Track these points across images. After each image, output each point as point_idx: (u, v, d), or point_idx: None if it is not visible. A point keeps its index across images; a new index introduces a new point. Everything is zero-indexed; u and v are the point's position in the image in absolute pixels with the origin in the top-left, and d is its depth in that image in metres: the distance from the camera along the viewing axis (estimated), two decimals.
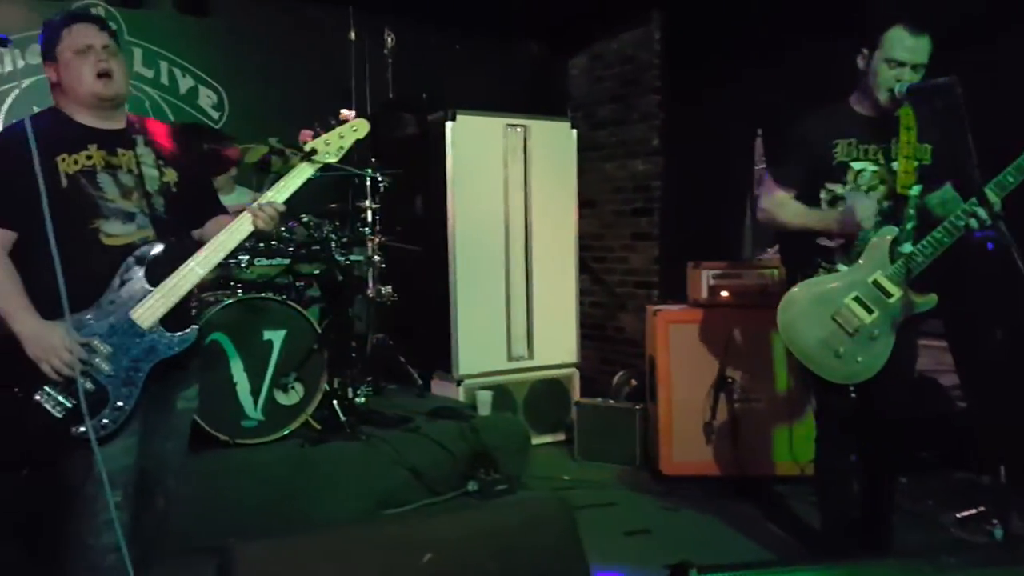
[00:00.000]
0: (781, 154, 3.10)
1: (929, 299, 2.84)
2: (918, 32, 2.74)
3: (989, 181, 2.63)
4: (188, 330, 2.28)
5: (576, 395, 5.12)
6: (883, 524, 3.00)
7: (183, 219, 2.42)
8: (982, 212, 2.59)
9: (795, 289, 2.95)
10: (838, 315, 2.83)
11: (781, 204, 2.97)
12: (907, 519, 3.38)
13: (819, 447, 3.10)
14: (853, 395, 2.86)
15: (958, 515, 3.52)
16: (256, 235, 2.37)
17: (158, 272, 2.22)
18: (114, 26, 2.32)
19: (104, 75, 2.22)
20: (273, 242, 3.95)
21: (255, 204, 2.32)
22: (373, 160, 4.51)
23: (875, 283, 2.82)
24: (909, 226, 2.81)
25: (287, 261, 4.05)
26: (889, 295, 2.80)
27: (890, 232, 2.81)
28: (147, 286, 2.20)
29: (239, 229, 2.31)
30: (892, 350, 2.82)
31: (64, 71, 2.23)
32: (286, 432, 3.73)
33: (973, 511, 3.51)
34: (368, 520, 3.45)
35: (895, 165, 2.82)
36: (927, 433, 3.75)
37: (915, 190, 2.81)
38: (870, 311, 2.82)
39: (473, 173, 4.87)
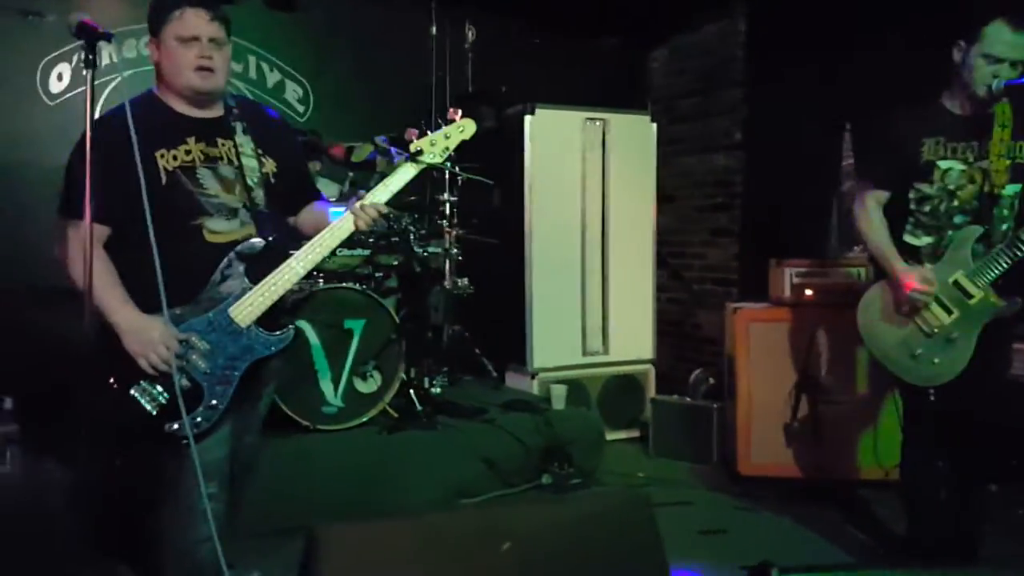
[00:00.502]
0: (871, 154, 3.04)
1: (1012, 302, 2.74)
2: (1019, 28, 2.64)
3: None
4: (286, 330, 2.26)
5: (651, 392, 5.07)
6: (972, 532, 2.90)
7: (281, 208, 2.39)
8: None
9: (876, 286, 2.92)
10: (917, 315, 2.77)
11: (870, 217, 2.92)
12: (998, 528, 3.23)
13: (905, 451, 3.03)
14: (932, 398, 2.79)
15: None
16: (356, 233, 2.31)
17: (258, 269, 2.20)
18: (226, 14, 2.23)
19: (204, 69, 2.17)
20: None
21: (358, 204, 2.27)
22: (452, 154, 4.53)
23: (955, 283, 2.75)
24: (1004, 227, 2.74)
25: (367, 252, 4.12)
26: (970, 296, 2.73)
27: (974, 232, 2.74)
28: (247, 283, 2.18)
29: (341, 229, 2.27)
30: (981, 353, 2.74)
31: (165, 56, 2.18)
32: (364, 419, 3.80)
33: None
34: (448, 508, 3.48)
35: (985, 164, 2.73)
36: (1019, 440, 3.59)
37: (1010, 189, 2.73)
38: (949, 312, 2.76)
39: (551, 167, 4.86)
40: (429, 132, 2.39)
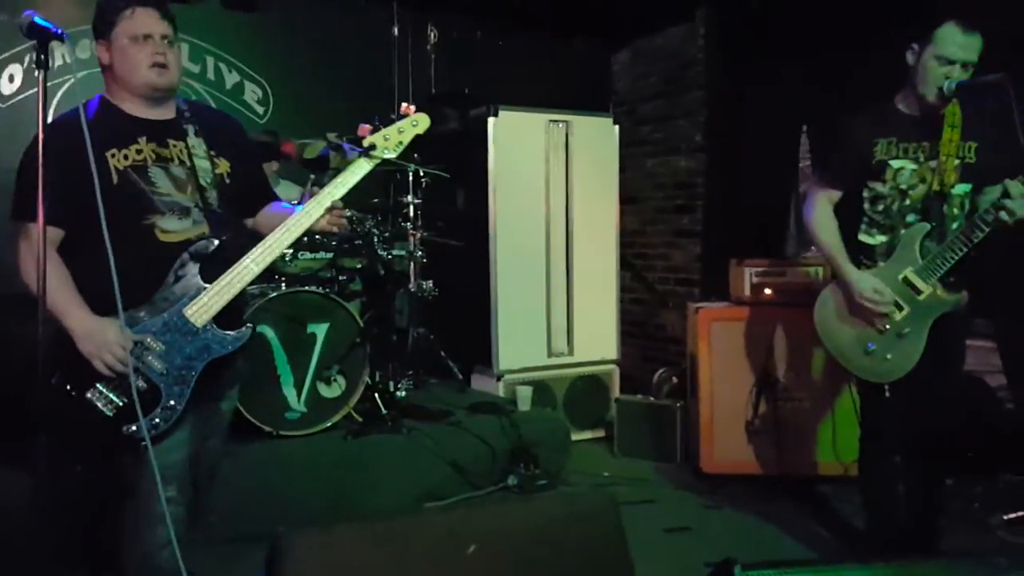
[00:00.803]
0: (825, 153, 3.09)
1: (959, 297, 2.81)
2: (970, 30, 2.70)
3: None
4: (242, 329, 2.24)
5: (616, 392, 5.10)
6: (929, 525, 2.96)
7: (236, 210, 2.38)
8: (1012, 204, 2.59)
9: (830, 286, 2.99)
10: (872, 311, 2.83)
11: (819, 218, 2.98)
12: (954, 521, 3.31)
13: (863, 447, 3.08)
14: (887, 394, 2.84)
15: (1005, 517, 3.47)
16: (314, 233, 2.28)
17: (213, 269, 2.18)
18: (173, 13, 2.24)
19: (159, 66, 2.16)
20: (317, 236, 3.99)
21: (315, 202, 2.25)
22: (415, 156, 4.54)
23: (904, 280, 2.81)
24: (955, 225, 2.79)
25: (330, 255, 4.09)
26: (919, 292, 2.79)
27: (922, 229, 2.79)
28: (201, 283, 2.16)
29: (296, 227, 2.24)
30: (933, 348, 2.79)
31: (118, 56, 2.16)
32: (328, 424, 3.78)
33: (1020, 513, 3.46)
34: (414, 511, 3.47)
35: (933, 164, 2.78)
36: (974, 434, 3.68)
37: (960, 188, 2.79)
38: (900, 308, 2.81)
39: (515, 169, 4.87)
40: (382, 127, 2.37)
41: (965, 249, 2.70)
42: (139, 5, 2.16)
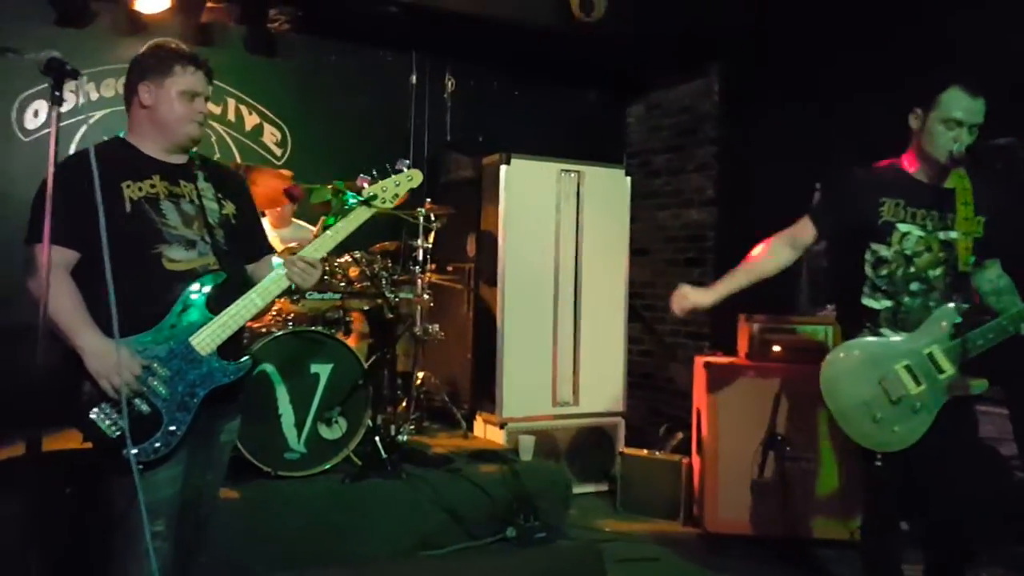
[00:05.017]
0: (827, 201, 3.05)
1: (980, 383, 2.72)
2: (976, 94, 2.69)
3: None
4: (244, 359, 2.33)
5: (621, 444, 5.04)
6: None
7: (241, 252, 2.48)
8: None
9: (842, 346, 2.89)
10: (885, 380, 2.74)
11: (776, 247, 3.02)
12: None
13: (863, 516, 3.00)
14: (878, 463, 2.75)
15: None
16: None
17: (218, 300, 2.28)
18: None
19: (200, 123, 2.35)
20: (325, 276, 4.00)
21: (288, 259, 2.37)
22: (428, 200, 4.58)
23: (930, 356, 2.72)
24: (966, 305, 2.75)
25: (338, 296, 4.10)
26: (941, 371, 2.71)
27: (957, 310, 2.71)
28: (207, 313, 2.26)
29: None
30: (939, 426, 2.70)
31: (164, 103, 2.31)
32: (327, 467, 3.74)
33: None
34: (399, 560, 3.42)
35: (940, 235, 2.75)
36: (986, 503, 3.59)
37: (971, 261, 2.74)
38: (918, 382, 2.73)
39: (526, 216, 4.89)
40: (380, 179, 2.56)
41: (998, 339, 2.66)
42: (195, 66, 2.34)
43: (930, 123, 2.73)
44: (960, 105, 2.68)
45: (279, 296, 2.42)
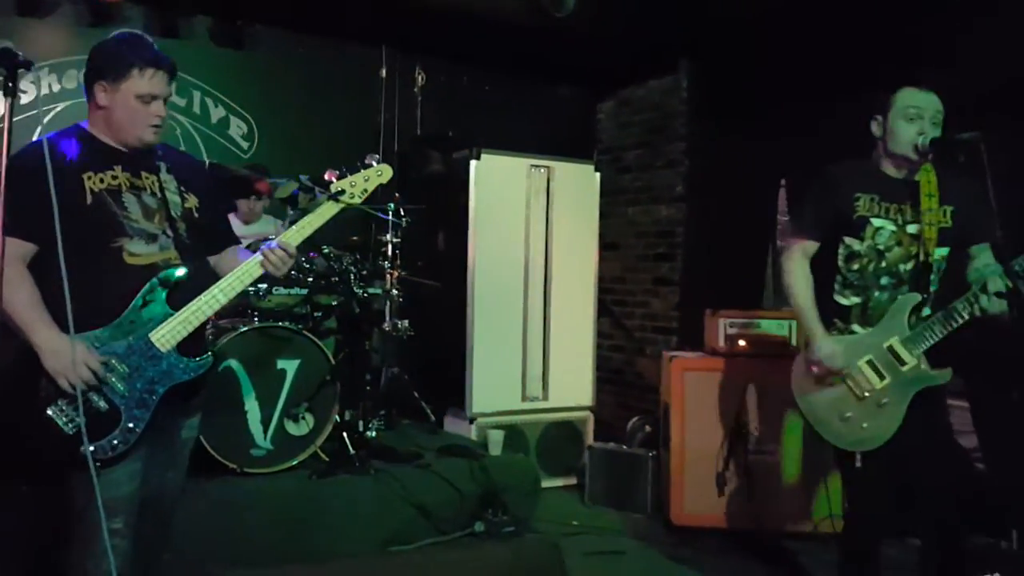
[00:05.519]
0: (803, 203, 3.07)
1: (943, 373, 2.75)
2: (926, 88, 2.76)
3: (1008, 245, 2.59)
4: (205, 356, 2.29)
5: (590, 439, 5.06)
6: None
7: (203, 245, 2.44)
8: (985, 304, 2.60)
9: (809, 348, 2.88)
10: (849, 377, 2.76)
11: (796, 274, 2.89)
12: None
13: (845, 514, 3.00)
14: (858, 463, 2.73)
15: None
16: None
17: (180, 296, 2.24)
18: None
19: (157, 126, 2.27)
20: (292, 272, 3.97)
21: (265, 248, 2.31)
22: (397, 195, 4.55)
23: (890, 349, 2.75)
24: (932, 289, 2.77)
25: (306, 291, 4.07)
26: (903, 363, 2.73)
27: (913, 299, 2.75)
28: (168, 309, 2.22)
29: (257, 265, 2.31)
30: (912, 421, 2.71)
31: (120, 106, 2.23)
32: (294, 463, 3.71)
33: None
34: (363, 555, 3.41)
35: (910, 228, 2.78)
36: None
37: (937, 253, 2.77)
38: (882, 377, 2.74)
39: (495, 212, 4.89)
40: (348, 174, 2.48)
41: (945, 332, 2.69)
42: (155, 67, 2.23)
43: (891, 123, 2.78)
44: (915, 99, 2.74)
45: (246, 287, 2.34)
